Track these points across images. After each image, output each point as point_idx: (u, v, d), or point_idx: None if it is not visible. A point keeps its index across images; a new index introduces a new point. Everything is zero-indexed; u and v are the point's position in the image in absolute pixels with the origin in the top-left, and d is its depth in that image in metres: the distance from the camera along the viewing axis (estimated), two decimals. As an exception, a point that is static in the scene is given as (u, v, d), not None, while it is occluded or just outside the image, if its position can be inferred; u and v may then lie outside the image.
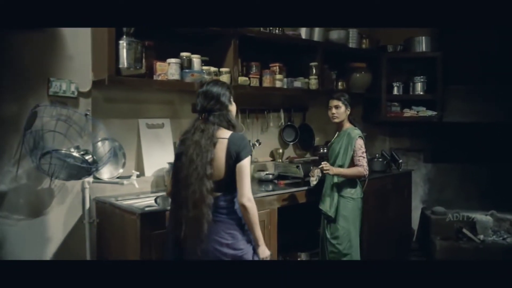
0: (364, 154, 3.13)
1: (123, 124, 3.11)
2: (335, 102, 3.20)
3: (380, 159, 4.29)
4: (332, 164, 3.23)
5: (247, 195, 2.09)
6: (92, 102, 2.88)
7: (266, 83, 3.57)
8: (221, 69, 3.27)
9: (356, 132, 3.17)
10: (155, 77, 2.93)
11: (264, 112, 3.96)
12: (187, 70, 3.03)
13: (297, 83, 3.79)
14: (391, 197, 4.21)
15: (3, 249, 2.53)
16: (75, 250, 2.77)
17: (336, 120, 3.22)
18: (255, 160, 3.85)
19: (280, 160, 4.03)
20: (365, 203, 3.80)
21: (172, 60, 2.97)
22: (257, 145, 3.83)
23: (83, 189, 2.78)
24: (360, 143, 3.13)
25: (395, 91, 4.68)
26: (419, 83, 4.63)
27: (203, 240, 2.06)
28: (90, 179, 2.79)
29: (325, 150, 4.31)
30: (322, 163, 3.15)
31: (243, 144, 2.14)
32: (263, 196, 3.07)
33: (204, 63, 3.32)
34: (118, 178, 2.98)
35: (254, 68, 3.54)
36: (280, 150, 4.06)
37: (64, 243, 2.76)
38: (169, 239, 2.23)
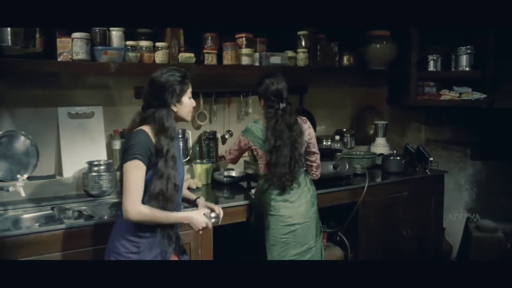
0: (230, 150, 2.62)
1: (37, 114, 2.59)
2: None
3: (398, 158, 3.28)
4: None
5: (127, 209, 1.71)
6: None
7: (227, 59, 2.79)
8: (157, 44, 2.58)
9: (247, 126, 2.51)
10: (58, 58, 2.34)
11: (240, 95, 3.17)
12: (99, 47, 2.38)
13: (275, 59, 2.94)
14: (411, 208, 3.20)
15: None
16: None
17: None
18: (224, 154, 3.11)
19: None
20: (366, 219, 2.96)
21: (76, 34, 2.33)
22: (227, 137, 3.11)
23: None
24: (239, 139, 2.53)
25: (431, 67, 3.54)
26: (464, 56, 3.44)
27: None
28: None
29: (330, 142, 3.47)
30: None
31: (128, 145, 1.77)
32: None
33: (145, 36, 2.67)
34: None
35: (209, 41, 2.77)
36: (262, 143, 3.26)
37: None
38: None
